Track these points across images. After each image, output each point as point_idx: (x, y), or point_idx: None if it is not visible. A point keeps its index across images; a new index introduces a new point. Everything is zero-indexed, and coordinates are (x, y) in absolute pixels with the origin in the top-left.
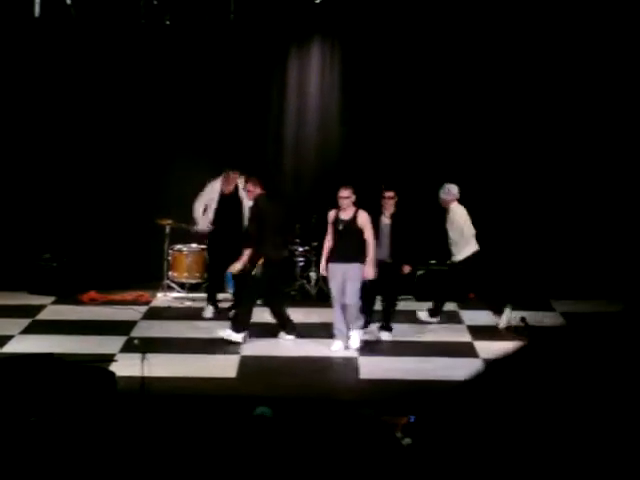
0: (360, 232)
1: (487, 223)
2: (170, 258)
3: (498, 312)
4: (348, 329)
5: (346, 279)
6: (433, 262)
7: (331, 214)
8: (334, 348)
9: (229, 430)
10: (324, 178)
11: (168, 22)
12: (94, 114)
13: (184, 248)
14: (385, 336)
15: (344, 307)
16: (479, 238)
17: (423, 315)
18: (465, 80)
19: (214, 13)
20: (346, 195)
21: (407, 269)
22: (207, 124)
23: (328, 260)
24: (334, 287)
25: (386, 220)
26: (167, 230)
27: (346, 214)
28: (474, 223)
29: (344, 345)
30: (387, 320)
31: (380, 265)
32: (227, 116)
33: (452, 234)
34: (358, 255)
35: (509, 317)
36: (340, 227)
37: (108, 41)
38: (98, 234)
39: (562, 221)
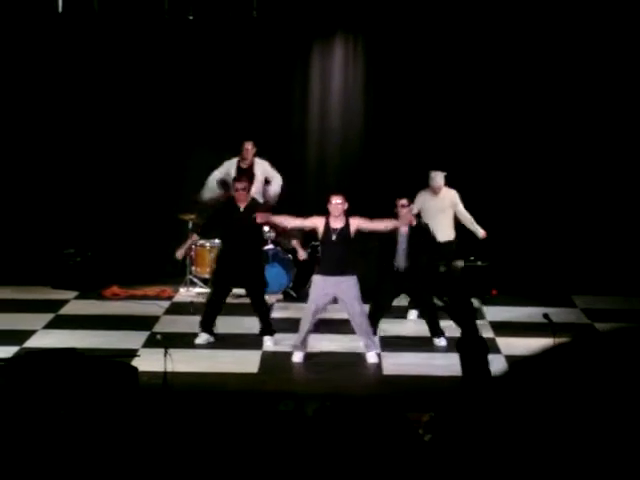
0: (352, 241)
1: (508, 219)
2: (193, 253)
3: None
4: (369, 344)
5: (341, 294)
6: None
7: (318, 221)
8: (295, 359)
9: (252, 425)
10: (347, 175)
11: (191, 17)
12: (118, 108)
13: (207, 243)
14: (442, 342)
15: (318, 323)
16: (503, 233)
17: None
18: (490, 76)
19: (237, 8)
20: (338, 201)
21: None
22: (230, 120)
23: (316, 272)
24: (319, 301)
25: (403, 229)
26: (190, 225)
27: (337, 223)
28: (498, 219)
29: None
30: (436, 327)
31: (396, 274)
32: (250, 112)
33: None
34: (352, 266)
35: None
36: (334, 237)
37: (131, 36)
38: (121, 229)
39: (584, 216)
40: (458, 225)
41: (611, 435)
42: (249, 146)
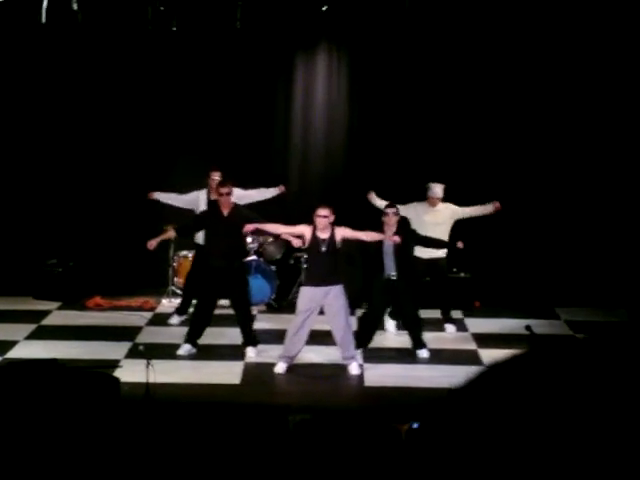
0: (339, 251)
1: (492, 230)
2: (175, 264)
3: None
4: (350, 356)
5: (328, 303)
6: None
7: (306, 231)
8: (278, 370)
9: (234, 437)
10: (331, 187)
11: (175, 28)
12: (100, 120)
13: (189, 254)
14: (425, 354)
15: (305, 332)
16: (486, 244)
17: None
18: (474, 88)
19: (221, 20)
20: (324, 214)
21: (461, 244)
22: (213, 132)
23: (305, 283)
24: (307, 312)
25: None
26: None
27: (324, 233)
28: (482, 230)
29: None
30: (419, 339)
31: (387, 283)
32: (233, 124)
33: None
34: (339, 275)
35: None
36: (322, 248)
37: (115, 47)
38: (104, 240)
39: (568, 227)
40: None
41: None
42: (216, 177)
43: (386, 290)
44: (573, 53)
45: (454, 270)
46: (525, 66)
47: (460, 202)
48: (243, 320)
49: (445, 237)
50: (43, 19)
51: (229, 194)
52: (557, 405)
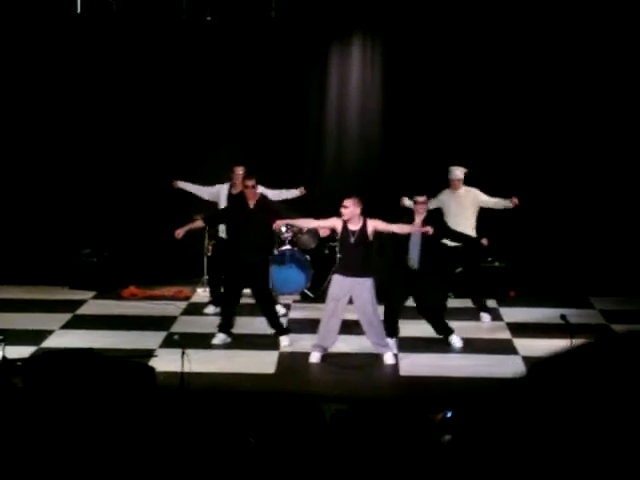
0: (370, 243)
1: (526, 220)
2: (210, 254)
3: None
4: (382, 345)
5: (356, 295)
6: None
7: (337, 222)
8: (312, 360)
9: (269, 427)
10: (365, 175)
11: (209, 18)
12: (135, 109)
13: None
14: (457, 342)
15: (337, 321)
16: (521, 234)
17: None
18: (509, 77)
19: (255, 9)
20: (346, 205)
21: (485, 241)
22: (247, 121)
23: (335, 271)
24: (338, 299)
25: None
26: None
27: (355, 224)
28: (516, 220)
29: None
30: (442, 326)
31: (409, 273)
32: (267, 114)
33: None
34: (368, 269)
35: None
36: (352, 239)
37: (149, 37)
38: (138, 229)
39: (602, 217)
40: (480, 227)
41: (632, 441)
42: (240, 171)
43: (408, 280)
44: (607, 50)
45: (489, 259)
46: (559, 60)
47: (495, 191)
48: (267, 311)
49: (471, 222)
50: (78, 9)
51: (254, 187)
52: (610, 402)
